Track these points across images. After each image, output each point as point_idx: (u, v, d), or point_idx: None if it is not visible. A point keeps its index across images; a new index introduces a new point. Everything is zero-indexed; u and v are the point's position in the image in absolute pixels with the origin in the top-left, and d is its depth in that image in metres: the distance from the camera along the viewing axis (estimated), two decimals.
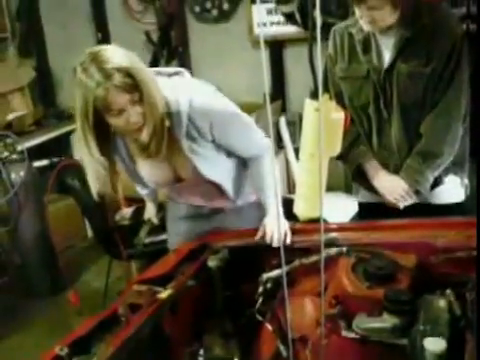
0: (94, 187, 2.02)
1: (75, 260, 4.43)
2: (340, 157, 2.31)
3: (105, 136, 1.82)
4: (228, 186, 2.03)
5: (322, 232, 1.06)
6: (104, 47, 1.72)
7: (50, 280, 3.99)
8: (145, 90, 1.69)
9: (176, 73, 1.95)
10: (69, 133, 4.81)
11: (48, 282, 3.98)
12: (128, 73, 1.64)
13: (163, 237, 2.82)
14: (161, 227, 2.62)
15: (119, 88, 1.63)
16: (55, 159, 3.79)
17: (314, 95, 1.10)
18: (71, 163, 3.60)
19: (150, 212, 2.55)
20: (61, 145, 4.68)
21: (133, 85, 1.66)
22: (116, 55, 1.67)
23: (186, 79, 1.96)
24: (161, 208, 2.52)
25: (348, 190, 3.26)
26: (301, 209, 1.19)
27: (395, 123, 2.15)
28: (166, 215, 2.47)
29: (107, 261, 3.45)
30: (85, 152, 1.79)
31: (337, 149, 1.20)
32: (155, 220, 2.57)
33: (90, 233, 4.71)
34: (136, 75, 1.66)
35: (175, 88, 1.86)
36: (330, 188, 2.38)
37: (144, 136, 1.79)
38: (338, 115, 1.20)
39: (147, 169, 2.02)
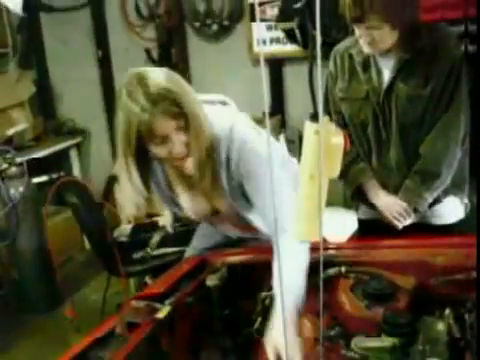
0: (128, 211, 1.79)
1: (73, 274, 4.44)
2: (340, 176, 2.32)
3: (145, 162, 1.72)
4: (261, 222, 1.91)
5: (321, 253, 1.06)
6: (151, 69, 1.65)
7: (47, 295, 3.98)
8: (192, 118, 1.60)
9: (221, 102, 1.89)
10: (68, 148, 4.84)
11: (45, 297, 3.97)
12: (175, 100, 1.56)
13: (169, 250, 2.84)
14: (173, 238, 2.61)
15: (165, 115, 1.55)
16: (54, 175, 3.79)
17: (314, 117, 1.10)
18: (70, 180, 3.62)
19: (167, 220, 2.44)
20: (60, 160, 4.71)
21: (180, 113, 1.58)
22: (163, 79, 1.58)
23: (230, 108, 1.90)
24: (178, 220, 2.47)
25: (347, 206, 3.26)
26: (299, 232, 1.19)
27: (394, 143, 2.16)
28: (196, 229, 2.38)
29: (105, 274, 3.44)
30: (124, 177, 1.69)
31: (336, 171, 1.20)
32: (170, 229, 2.52)
33: (88, 245, 4.72)
34: (183, 102, 1.57)
35: (217, 116, 1.76)
36: (329, 204, 2.38)
37: (189, 167, 1.71)
38: (338, 139, 1.20)
39: (185, 198, 1.93)
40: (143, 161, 1.69)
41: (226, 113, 1.82)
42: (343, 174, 2.27)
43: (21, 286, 3.93)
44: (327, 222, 2.19)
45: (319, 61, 0.99)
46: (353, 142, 2.26)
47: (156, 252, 3.03)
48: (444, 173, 2.13)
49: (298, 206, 1.18)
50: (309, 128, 1.16)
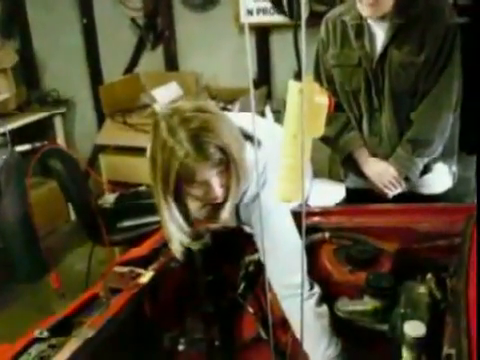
0: (174, 248, 1.68)
1: (58, 244, 4.41)
2: (329, 143, 2.31)
3: (181, 197, 1.58)
4: None
5: (304, 217, 1.05)
6: (189, 104, 1.50)
7: (32, 264, 3.95)
8: (234, 163, 1.48)
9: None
10: (53, 118, 4.79)
11: (30, 266, 3.94)
12: (221, 147, 1.44)
13: (148, 220, 2.83)
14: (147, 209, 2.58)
15: (208, 162, 1.44)
16: (38, 144, 3.74)
17: (298, 76, 1.08)
18: (54, 147, 3.56)
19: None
20: (44, 130, 4.64)
21: (224, 160, 1.46)
22: (206, 117, 1.45)
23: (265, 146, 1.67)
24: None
25: (332, 177, 3.26)
26: (283, 191, 1.18)
27: (386, 111, 2.14)
28: None
29: (90, 245, 3.42)
30: (166, 215, 1.58)
31: (320, 131, 1.18)
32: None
33: (73, 216, 4.70)
34: (227, 145, 1.44)
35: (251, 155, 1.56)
36: (315, 174, 2.37)
37: (224, 215, 1.60)
38: (322, 99, 1.18)
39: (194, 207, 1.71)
40: (180, 196, 1.57)
41: (260, 155, 1.58)
42: (333, 142, 2.28)
43: (6, 255, 3.90)
44: (314, 191, 2.21)
45: (303, 18, 0.97)
46: (344, 110, 2.25)
47: (141, 221, 3.02)
48: (436, 141, 2.13)
49: (281, 166, 1.16)
50: (293, 87, 1.14)
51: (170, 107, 1.50)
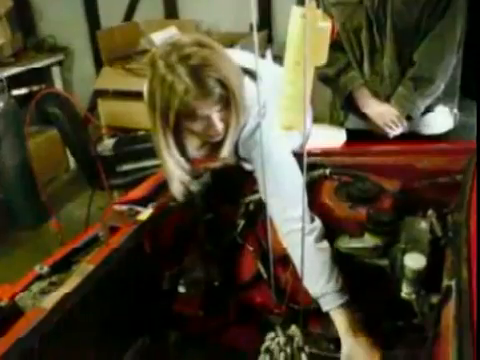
0: (175, 188, 1.66)
1: (58, 192, 4.41)
2: (329, 83, 2.28)
3: (180, 133, 1.54)
4: None
5: (305, 145, 1.03)
6: (186, 39, 1.45)
7: (32, 212, 3.95)
8: (234, 99, 1.45)
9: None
10: (50, 66, 4.71)
11: (30, 214, 3.95)
12: (221, 82, 1.40)
13: (147, 164, 2.81)
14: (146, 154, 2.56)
15: (209, 98, 1.41)
16: (35, 88, 3.68)
17: (301, 1, 1.05)
18: (52, 91, 3.50)
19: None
20: (42, 77, 4.58)
21: (224, 95, 1.43)
22: (205, 51, 1.41)
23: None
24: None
25: (333, 123, 3.22)
26: (284, 120, 1.15)
27: (388, 50, 2.10)
28: None
29: (90, 192, 3.41)
30: (165, 152, 1.55)
31: (323, 58, 1.15)
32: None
33: (73, 165, 4.68)
34: (228, 80, 1.41)
35: (250, 91, 1.53)
36: (315, 120, 2.35)
37: (224, 152, 1.57)
38: (325, 24, 1.14)
39: (193, 144, 1.67)
40: (179, 133, 1.54)
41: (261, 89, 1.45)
42: (333, 82, 2.24)
43: (6, 202, 3.90)
44: (315, 135, 2.19)
45: None
46: (344, 49, 2.20)
47: (140, 165, 3.00)
48: (438, 79, 2.09)
49: (282, 94, 1.14)
50: (295, 12, 1.10)
51: (167, 43, 1.45)
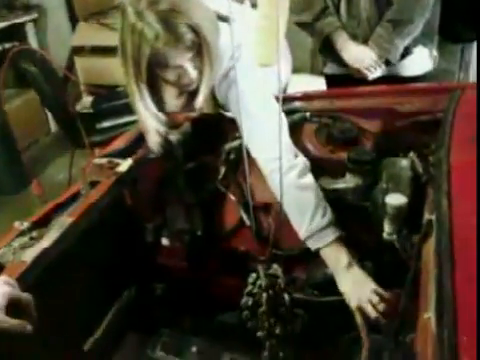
0: (152, 140, 1.66)
1: (38, 155, 4.36)
2: (307, 29, 2.24)
3: (154, 82, 1.52)
4: None
5: (280, 77, 1.00)
6: None
7: (13, 176, 3.91)
8: (207, 45, 1.41)
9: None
10: (24, 24, 4.59)
11: (11, 178, 3.91)
12: (193, 28, 1.37)
13: (126, 120, 2.78)
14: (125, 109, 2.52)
15: (181, 45, 1.38)
16: (7, 45, 3.58)
17: None
18: (26, 48, 3.41)
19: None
20: (16, 36, 4.45)
21: (196, 41, 1.40)
22: (177, 2, 1.36)
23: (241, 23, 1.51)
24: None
25: (314, 72, 3.19)
26: (258, 55, 1.13)
27: None
28: None
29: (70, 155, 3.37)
30: (140, 103, 1.52)
31: None
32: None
33: (54, 128, 4.62)
34: (199, 26, 1.37)
35: (225, 34, 1.48)
36: (296, 70, 2.31)
37: (199, 100, 1.53)
38: None
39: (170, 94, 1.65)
40: (153, 84, 1.52)
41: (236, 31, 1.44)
42: (311, 26, 2.20)
43: None
44: (294, 84, 2.15)
45: None
46: None
47: (119, 121, 2.96)
48: (416, 20, 2.05)
49: (257, 29, 1.11)
50: None
51: None
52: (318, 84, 2.63)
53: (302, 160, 1.54)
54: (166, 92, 1.59)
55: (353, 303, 1.42)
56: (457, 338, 0.80)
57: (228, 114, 1.71)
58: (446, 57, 2.47)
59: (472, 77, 2.80)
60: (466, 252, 0.95)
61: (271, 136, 1.47)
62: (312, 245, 1.51)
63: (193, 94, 1.56)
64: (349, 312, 1.43)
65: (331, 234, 1.48)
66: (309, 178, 1.52)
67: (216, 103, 1.65)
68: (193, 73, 1.46)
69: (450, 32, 2.40)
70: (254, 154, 1.55)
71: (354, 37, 2.16)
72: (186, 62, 1.43)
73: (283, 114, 1.50)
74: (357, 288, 1.43)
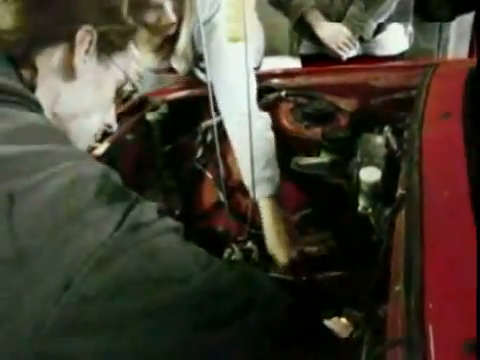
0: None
1: None
2: (281, 7, 2.23)
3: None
4: None
5: (247, 43, 1.00)
6: None
7: None
8: None
9: None
10: None
11: None
12: None
13: None
14: None
15: None
16: None
17: None
18: None
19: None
20: None
21: None
22: None
23: None
24: None
25: (293, 53, 3.19)
26: (228, 31, 1.12)
27: None
28: None
29: None
30: None
31: None
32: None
33: None
34: None
35: None
36: (275, 52, 2.30)
37: (181, 44, 1.52)
38: None
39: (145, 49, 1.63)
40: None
41: None
42: (285, 6, 2.19)
43: None
44: (271, 66, 2.15)
45: None
46: None
47: None
48: None
49: (225, 3, 1.10)
50: None
51: None
52: (293, 65, 2.63)
53: (267, 115, 1.58)
54: (145, 43, 1.56)
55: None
56: (424, 305, 0.81)
57: (200, 76, 1.71)
58: (426, 36, 2.48)
59: (450, 55, 2.81)
60: (435, 225, 0.96)
61: (238, 86, 1.49)
62: (257, 194, 1.55)
63: (173, 38, 1.55)
64: (323, 291, 1.44)
65: (274, 189, 1.55)
66: (271, 133, 1.57)
67: (195, 52, 1.65)
68: (172, 15, 1.44)
69: (425, 11, 2.40)
70: (221, 106, 1.60)
71: (327, 16, 2.15)
72: (165, 2, 1.41)
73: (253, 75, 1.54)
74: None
